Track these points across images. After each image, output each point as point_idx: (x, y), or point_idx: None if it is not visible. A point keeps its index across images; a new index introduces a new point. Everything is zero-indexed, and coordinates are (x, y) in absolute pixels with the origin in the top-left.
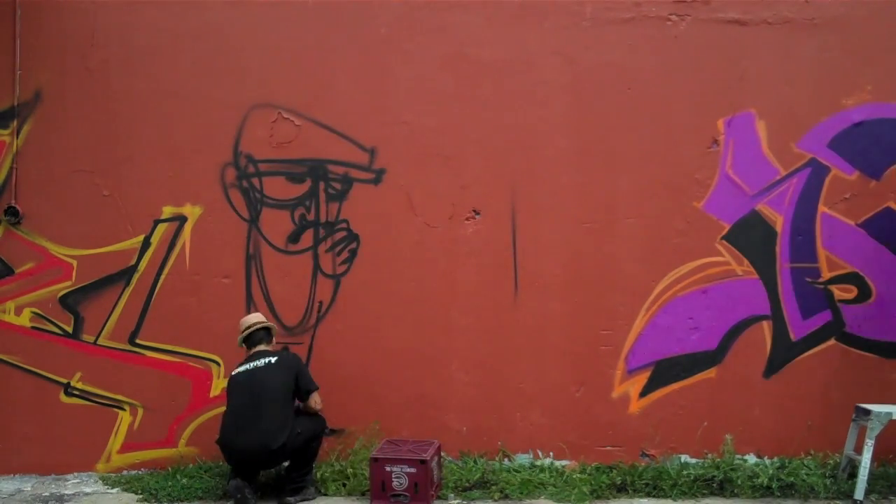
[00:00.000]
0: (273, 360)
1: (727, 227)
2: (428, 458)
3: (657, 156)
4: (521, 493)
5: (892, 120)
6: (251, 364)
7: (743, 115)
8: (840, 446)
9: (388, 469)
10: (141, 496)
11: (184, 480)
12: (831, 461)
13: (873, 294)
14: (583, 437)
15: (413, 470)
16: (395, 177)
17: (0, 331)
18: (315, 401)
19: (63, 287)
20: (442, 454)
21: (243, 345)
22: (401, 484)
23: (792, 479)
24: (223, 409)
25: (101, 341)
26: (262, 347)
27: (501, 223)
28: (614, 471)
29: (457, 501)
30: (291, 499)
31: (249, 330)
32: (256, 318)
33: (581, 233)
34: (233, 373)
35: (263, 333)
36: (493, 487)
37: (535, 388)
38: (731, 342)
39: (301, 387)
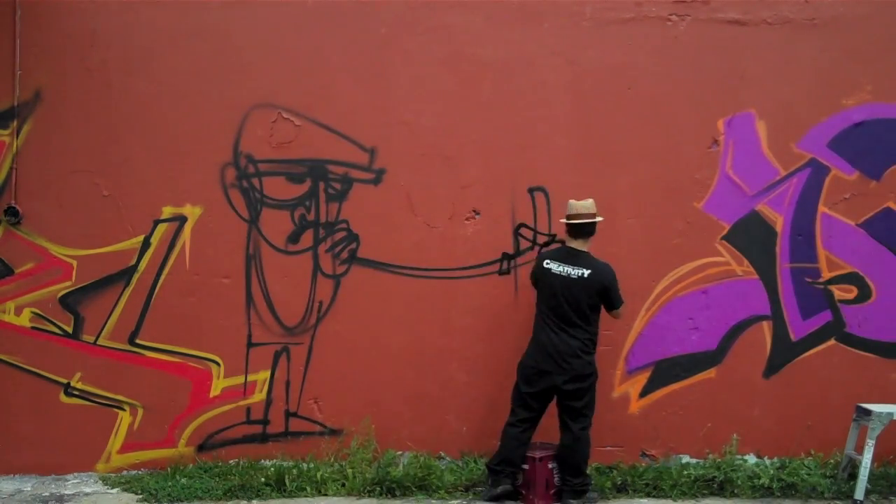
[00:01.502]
0: (587, 273)
1: (727, 228)
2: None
3: (657, 156)
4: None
5: (892, 120)
6: (566, 269)
7: (743, 115)
8: (840, 446)
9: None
10: (141, 496)
11: (183, 480)
12: (831, 461)
13: (873, 294)
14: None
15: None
16: (395, 177)
17: (0, 331)
18: (617, 313)
19: (63, 287)
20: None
21: (566, 225)
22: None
23: (792, 479)
24: (223, 409)
25: (101, 341)
26: (581, 246)
27: (501, 223)
28: (614, 471)
29: (457, 501)
30: (573, 501)
31: (581, 220)
32: (591, 206)
33: None
34: (545, 264)
35: (591, 228)
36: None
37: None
38: (731, 342)
39: (611, 303)
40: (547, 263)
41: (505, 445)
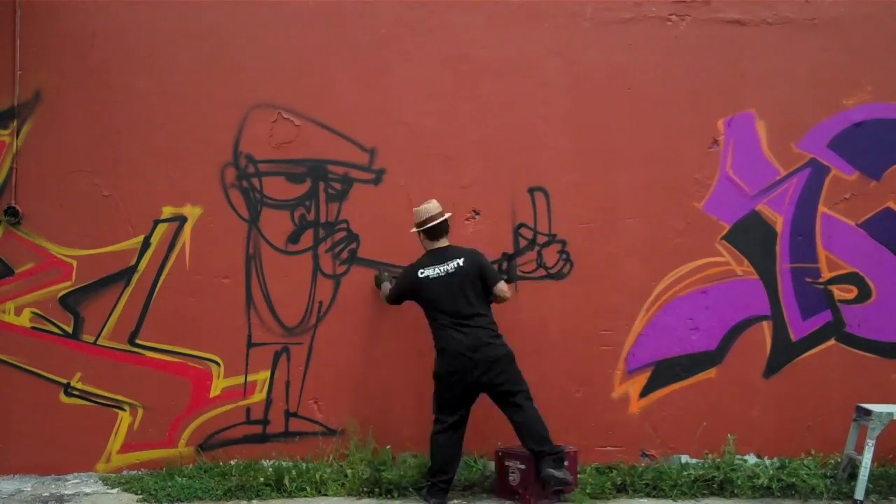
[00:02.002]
0: (461, 261)
1: (727, 227)
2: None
3: (657, 156)
4: None
5: (892, 120)
6: (442, 268)
7: (743, 115)
8: (840, 446)
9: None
10: (141, 496)
11: (183, 481)
12: (831, 461)
13: (873, 294)
14: (583, 437)
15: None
16: (395, 177)
17: (0, 331)
18: (501, 289)
19: (63, 287)
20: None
21: (420, 233)
22: (514, 479)
23: (792, 479)
24: (223, 409)
25: (101, 341)
26: (444, 243)
27: (501, 223)
28: (614, 471)
29: (456, 501)
30: (554, 471)
31: (434, 223)
32: (437, 207)
33: (581, 233)
34: (420, 274)
35: (445, 226)
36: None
37: (534, 388)
38: (731, 342)
39: (487, 282)
40: (422, 272)
41: (438, 453)
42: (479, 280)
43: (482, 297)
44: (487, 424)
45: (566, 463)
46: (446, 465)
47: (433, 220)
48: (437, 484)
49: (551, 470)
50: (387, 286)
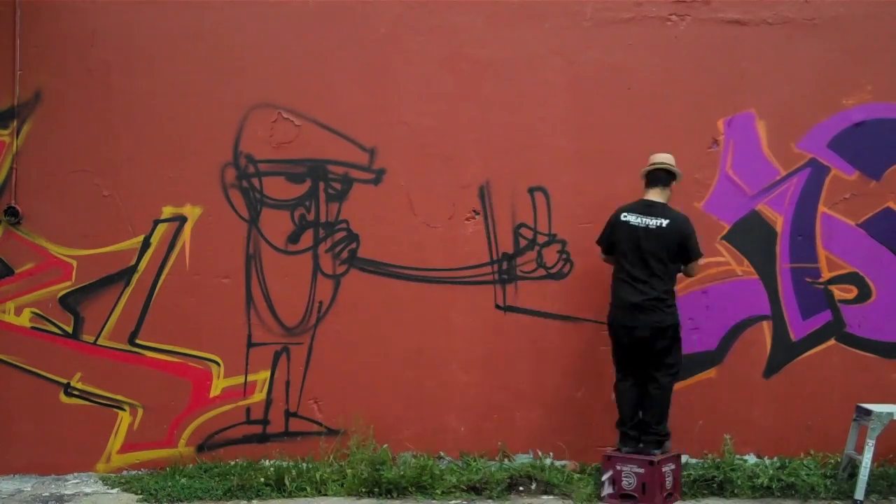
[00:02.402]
0: (665, 223)
1: (727, 227)
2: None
3: None
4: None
5: (892, 120)
6: (643, 219)
7: (743, 115)
8: (840, 446)
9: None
10: (141, 496)
11: (183, 480)
12: (831, 461)
13: (873, 294)
14: (583, 437)
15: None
16: (395, 177)
17: (0, 331)
18: (693, 268)
19: (63, 287)
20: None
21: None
22: (629, 483)
23: (792, 479)
24: (223, 409)
25: (101, 341)
26: (656, 197)
27: (501, 223)
28: None
29: (456, 502)
30: (656, 451)
31: (654, 167)
32: (666, 158)
33: (581, 233)
34: (622, 217)
35: (664, 176)
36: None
37: (535, 388)
38: (731, 342)
39: (690, 255)
40: (624, 216)
41: (619, 403)
42: (676, 246)
43: (673, 263)
44: (484, 424)
45: (662, 452)
46: (627, 413)
47: (655, 166)
48: (626, 432)
49: (644, 446)
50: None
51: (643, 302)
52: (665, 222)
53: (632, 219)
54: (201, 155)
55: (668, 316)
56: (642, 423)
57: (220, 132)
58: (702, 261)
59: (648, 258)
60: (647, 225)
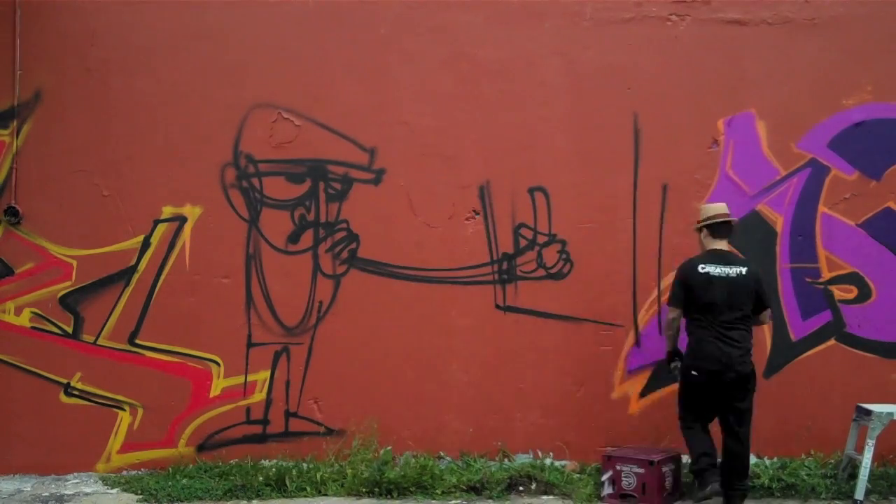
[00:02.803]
0: (744, 270)
1: None
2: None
3: (657, 156)
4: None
5: (892, 120)
6: (724, 269)
7: (743, 115)
8: (840, 446)
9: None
10: (141, 496)
11: (184, 480)
12: (831, 461)
13: (873, 294)
14: (583, 437)
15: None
16: (395, 177)
17: (0, 331)
18: (765, 316)
19: (63, 287)
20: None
21: (703, 229)
22: (629, 483)
23: (792, 479)
24: (223, 409)
25: (101, 341)
26: (723, 246)
27: (501, 223)
28: None
29: (456, 502)
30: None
31: (719, 220)
32: (724, 208)
33: (581, 233)
34: (701, 269)
35: (728, 228)
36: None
37: (534, 388)
38: None
39: (763, 302)
40: (703, 268)
41: (695, 443)
42: (755, 294)
43: (749, 311)
44: (484, 424)
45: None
46: (707, 449)
47: (721, 217)
48: (707, 469)
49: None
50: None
51: (737, 356)
52: (744, 270)
53: (712, 270)
54: (201, 155)
55: (751, 366)
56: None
57: (220, 132)
58: (770, 312)
59: (736, 309)
60: (729, 275)
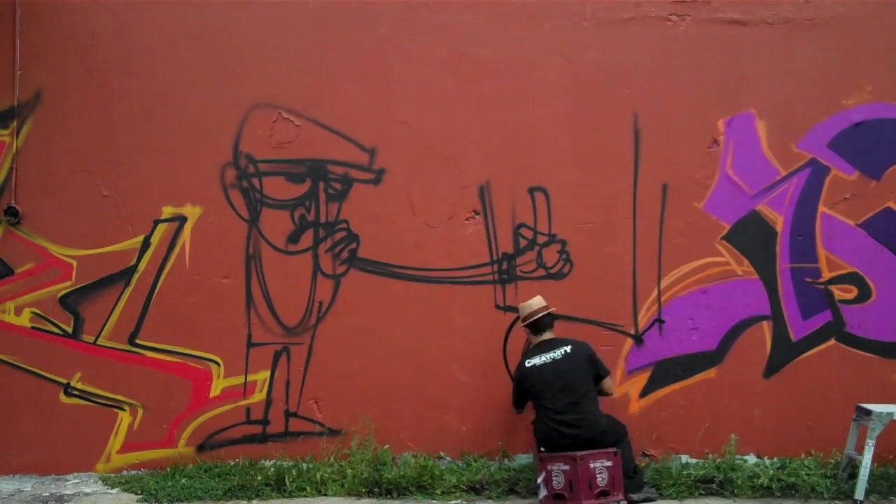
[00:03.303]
0: (568, 349)
1: (727, 227)
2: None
3: (657, 156)
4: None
5: (892, 120)
6: (548, 356)
7: (743, 115)
8: (840, 446)
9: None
10: (141, 496)
11: (183, 481)
12: (831, 461)
13: (873, 294)
14: None
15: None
16: (395, 177)
17: (0, 331)
18: (609, 385)
19: (63, 287)
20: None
21: (526, 328)
22: (559, 483)
23: (792, 479)
24: (223, 409)
25: (100, 341)
26: (549, 336)
27: (501, 223)
28: None
29: (456, 502)
30: (635, 496)
31: (536, 317)
32: (540, 302)
33: (581, 233)
34: (527, 364)
35: (548, 319)
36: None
37: None
38: (731, 342)
39: (599, 372)
40: (529, 362)
41: None
42: (587, 364)
43: (589, 385)
44: (484, 424)
45: (635, 474)
46: None
47: (534, 316)
48: None
49: (632, 496)
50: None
51: (584, 433)
52: (568, 349)
53: (536, 361)
54: (201, 155)
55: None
56: None
57: (220, 132)
58: (610, 380)
59: (568, 392)
60: (554, 358)
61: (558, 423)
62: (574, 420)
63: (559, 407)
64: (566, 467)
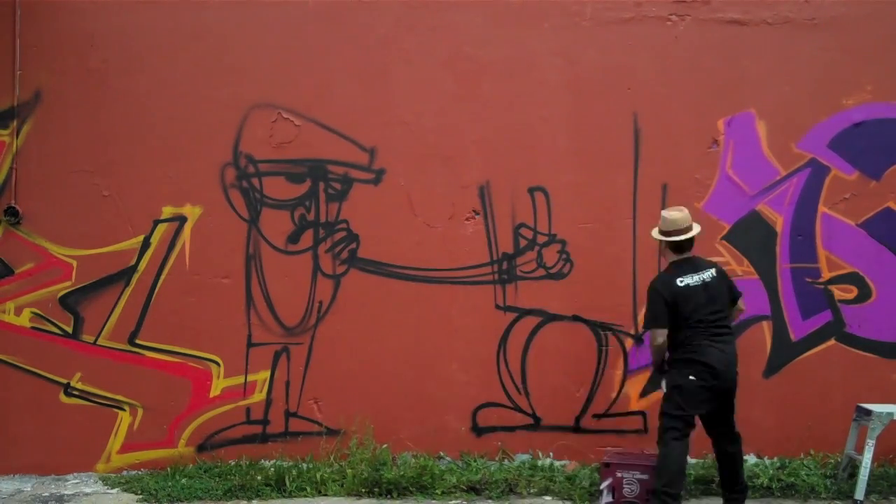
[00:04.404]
0: (714, 272)
1: (727, 227)
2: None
3: (657, 156)
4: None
5: (892, 120)
6: (699, 276)
7: (743, 115)
8: (840, 446)
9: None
10: (141, 496)
11: (183, 481)
12: (831, 461)
13: (873, 294)
14: (583, 437)
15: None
16: (395, 177)
17: (0, 331)
18: (741, 303)
19: (63, 287)
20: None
21: (663, 239)
22: (632, 491)
23: (792, 479)
24: (223, 409)
25: (100, 341)
26: (689, 254)
27: (501, 223)
28: None
29: (456, 502)
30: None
31: (681, 238)
32: (686, 219)
33: (581, 233)
34: (680, 283)
35: (691, 242)
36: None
37: (534, 387)
38: None
39: (734, 295)
40: (681, 281)
41: (676, 461)
42: (728, 292)
43: (728, 309)
44: (487, 424)
45: None
46: (684, 470)
47: (677, 235)
48: (677, 493)
49: None
50: (654, 331)
51: (731, 356)
52: (714, 271)
53: (689, 281)
54: (201, 155)
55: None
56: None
57: (220, 132)
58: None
59: (718, 310)
60: (704, 280)
61: (713, 338)
62: (725, 346)
63: (713, 333)
64: (644, 476)
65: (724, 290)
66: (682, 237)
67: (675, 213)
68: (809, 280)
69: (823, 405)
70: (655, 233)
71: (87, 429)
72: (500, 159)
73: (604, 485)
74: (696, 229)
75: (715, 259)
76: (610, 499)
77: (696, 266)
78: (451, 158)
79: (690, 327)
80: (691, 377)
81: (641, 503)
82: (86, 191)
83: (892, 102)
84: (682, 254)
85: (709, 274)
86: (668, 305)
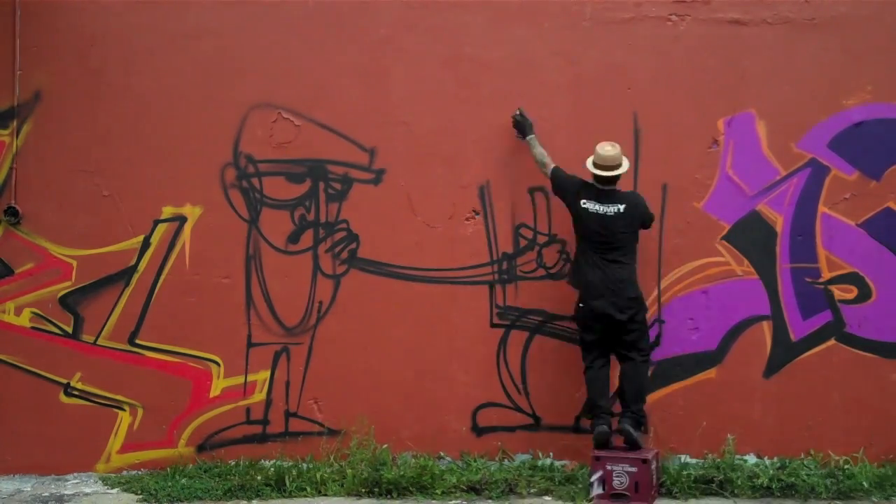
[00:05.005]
0: (622, 208)
1: (727, 227)
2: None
3: (657, 156)
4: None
5: (892, 120)
6: (601, 206)
7: (743, 115)
8: (840, 446)
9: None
10: (141, 496)
11: (183, 481)
12: (831, 461)
13: (873, 294)
14: (582, 436)
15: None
16: (395, 177)
17: (0, 331)
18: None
19: (63, 287)
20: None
21: (591, 170)
22: (621, 483)
23: (792, 479)
24: (223, 409)
25: (100, 341)
26: (611, 187)
27: (501, 223)
28: None
29: (456, 502)
30: (631, 429)
31: (610, 173)
32: (617, 157)
33: None
34: (583, 204)
35: (616, 180)
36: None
37: (534, 387)
38: (731, 342)
39: (645, 224)
40: (583, 203)
41: (590, 390)
42: (637, 226)
43: (634, 242)
44: (485, 423)
45: (643, 430)
46: (598, 400)
47: (611, 171)
48: (598, 416)
49: (629, 427)
50: (541, 151)
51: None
52: (621, 207)
53: (589, 206)
54: (201, 155)
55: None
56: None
57: (220, 132)
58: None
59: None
60: (605, 212)
61: (600, 261)
62: (609, 272)
63: (600, 257)
64: (633, 469)
65: (624, 225)
66: (608, 173)
67: (609, 150)
68: (809, 280)
69: (823, 405)
70: (589, 163)
71: (87, 429)
72: (500, 159)
73: (594, 477)
74: (625, 167)
75: (715, 259)
76: (600, 490)
77: (607, 197)
78: (451, 158)
79: (580, 247)
80: (580, 304)
81: (630, 494)
82: (86, 191)
83: (892, 102)
84: (605, 186)
85: (614, 209)
86: (567, 187)
